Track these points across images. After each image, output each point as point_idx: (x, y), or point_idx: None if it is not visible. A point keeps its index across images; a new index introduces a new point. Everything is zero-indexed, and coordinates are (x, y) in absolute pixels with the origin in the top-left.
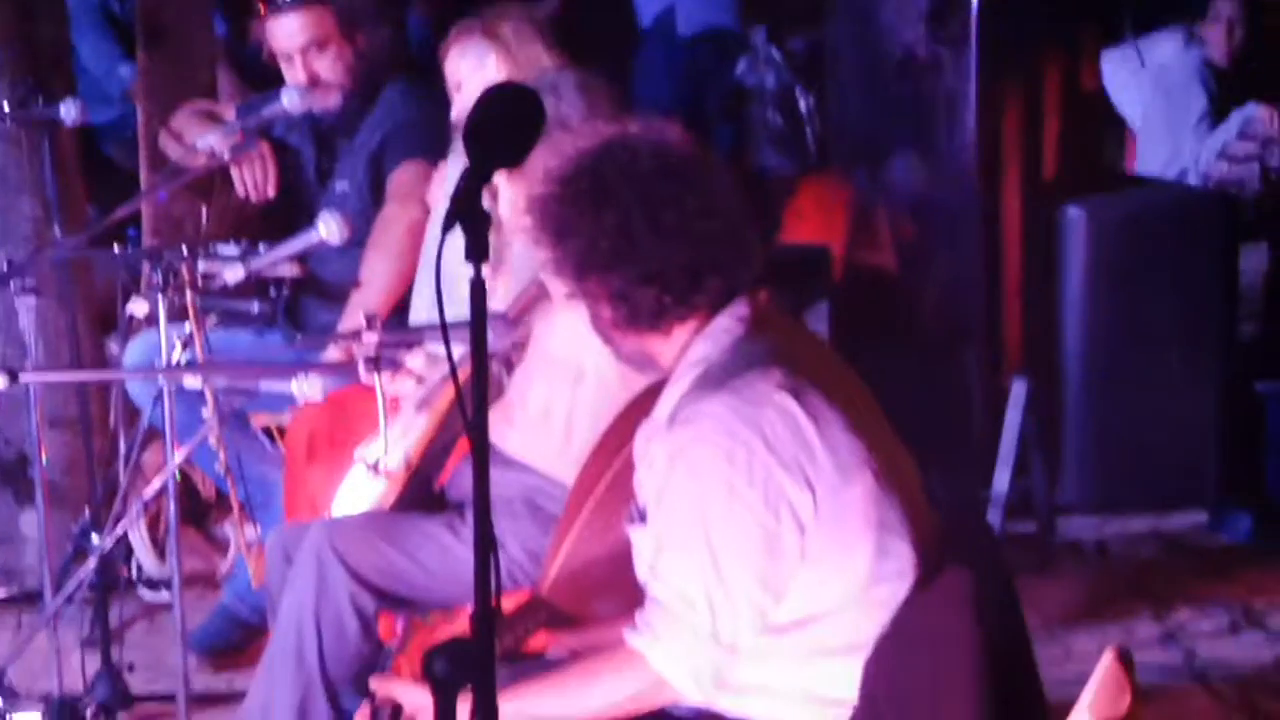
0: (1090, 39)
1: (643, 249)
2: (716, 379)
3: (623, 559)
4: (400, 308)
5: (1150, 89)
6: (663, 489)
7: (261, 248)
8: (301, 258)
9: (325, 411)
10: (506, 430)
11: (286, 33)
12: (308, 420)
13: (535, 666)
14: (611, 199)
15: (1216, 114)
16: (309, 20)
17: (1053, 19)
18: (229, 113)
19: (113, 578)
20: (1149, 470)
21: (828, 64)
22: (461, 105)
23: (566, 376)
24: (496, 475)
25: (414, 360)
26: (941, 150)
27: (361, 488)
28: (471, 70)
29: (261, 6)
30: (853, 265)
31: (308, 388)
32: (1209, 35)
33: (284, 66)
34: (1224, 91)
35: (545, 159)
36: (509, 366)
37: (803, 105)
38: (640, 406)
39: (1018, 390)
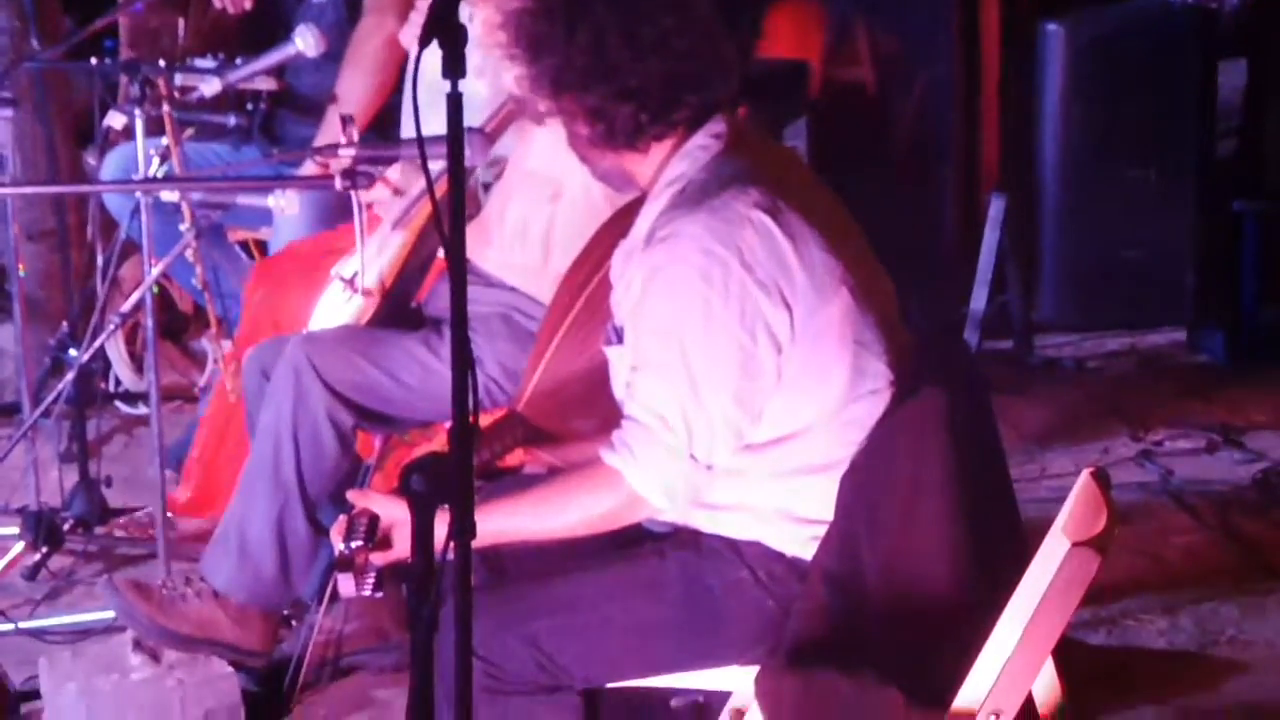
0: None
1: (619, 65)
2: (694, 198)
3: (599, 376)
4: (377, 122)
5: None
6: (639, 308)
7: (238, 61)
8: (278, 71)
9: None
10: (484, 248)
11: None
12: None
13: (512, 483)
14: (586, 14)
15: None
16: None
17: None
18: None
19: (90, 392)
20: (1126, 288)
21: None
22: None
23: (544, 193)
24: (474, 293)
25: (392, 172)
26: None
27: (338, 305)
28: None
29: None
30: (831, 82)
31: (284, 202)
32: None
33: None
34: None
35: None
36: None
37: None
38: (617, 225)
39: (995, 208)
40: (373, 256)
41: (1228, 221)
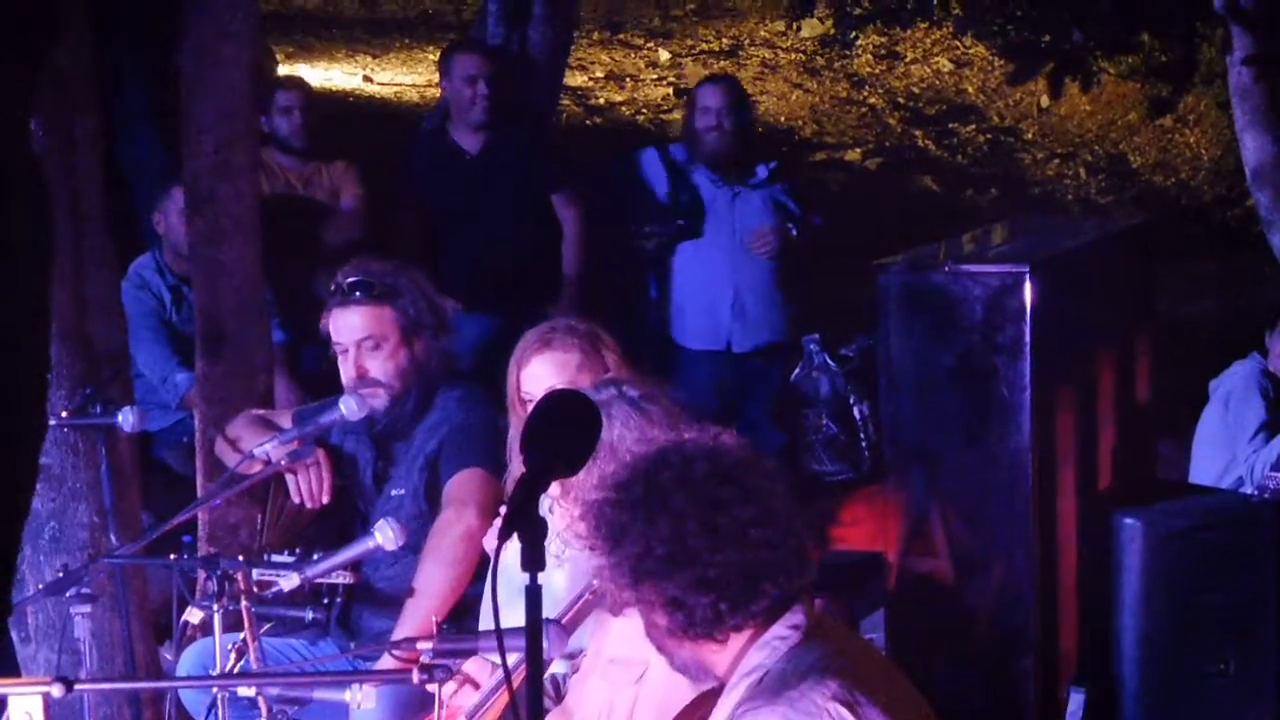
0: (1144, 348)
1: (697, 555)
2: (771, 689)
3: None
4: (455, 612)
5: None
6: None
7: (316, 555)
8: (356, 564)
9: None
10: None
11: (348, 324)
12: None
13: None
14: (665, 505)
15: (1274, 424)
16: (372, 317)
17: (1107, 328)
18: (286, 420)
19: None
20: None
21: (881, 371)
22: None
23: (630, 676)
24: None
25: (470, 667)
26: (996, 457)
27: None
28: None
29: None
30: (908, 573)
31: (361, 697)
32: (1273, 346)
33: (339, 359)
34: None
35: (600, 465)
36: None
37: (857, 412)
38: (691, 716)
39: (1074, 702)
40: None
41: None
